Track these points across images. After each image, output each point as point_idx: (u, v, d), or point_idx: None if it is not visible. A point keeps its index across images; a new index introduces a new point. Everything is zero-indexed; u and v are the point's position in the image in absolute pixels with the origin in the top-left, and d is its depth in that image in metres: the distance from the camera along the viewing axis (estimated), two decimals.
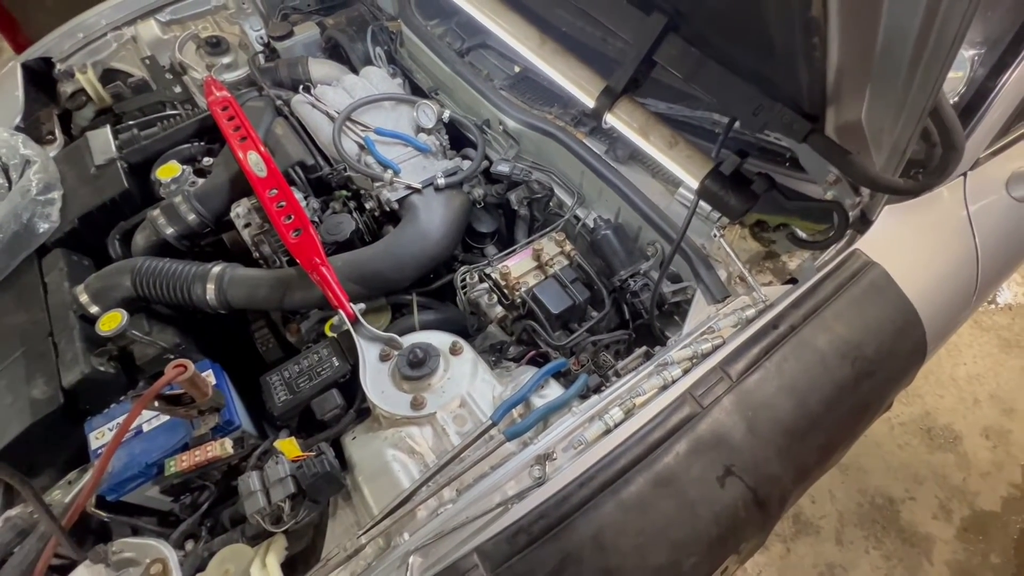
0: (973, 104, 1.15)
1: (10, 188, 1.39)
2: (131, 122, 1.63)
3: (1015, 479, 2.20)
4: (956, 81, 1.16)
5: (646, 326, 1.24)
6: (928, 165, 0.82)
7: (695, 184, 0.93)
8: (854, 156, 0.70)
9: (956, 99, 1.16)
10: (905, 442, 2.30)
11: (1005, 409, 2.37)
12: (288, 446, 0.99)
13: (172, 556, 0.94)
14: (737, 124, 0.98)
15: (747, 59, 0.74)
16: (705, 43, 0.78)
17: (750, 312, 1.04)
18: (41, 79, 1.78)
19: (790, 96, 0.70)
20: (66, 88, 1.76)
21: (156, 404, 1.01)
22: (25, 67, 1.74)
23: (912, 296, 1.09)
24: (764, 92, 0.74)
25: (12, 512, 0.99)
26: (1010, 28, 1.15)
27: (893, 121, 0.65)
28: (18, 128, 1.59)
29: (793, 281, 1.11)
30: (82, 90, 1.73)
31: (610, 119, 1.00)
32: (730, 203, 0.88)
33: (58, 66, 1.78)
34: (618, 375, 1.07)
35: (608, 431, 0.91)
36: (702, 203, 1.05)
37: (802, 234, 1.17)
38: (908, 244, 1.14)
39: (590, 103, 1.01)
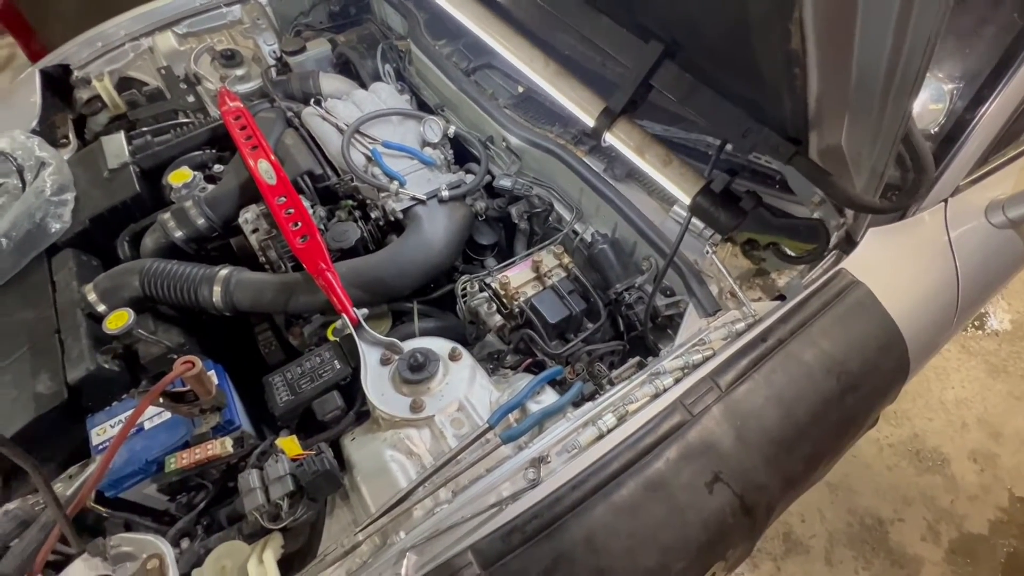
0: (953, 134, 1.21)
1: (24, 189, 1.43)
2: (145, 128, 1.68)
3: (1002, 503, 2.22)
4: (936, 113, 1.22)
5: (640, 338, 1.28)
6: (903, 188, 0.87)
7: (687, 200, 0.98)
8: (833, 178, 0.75)
9: (936, 130, 1.22)
10: (894, 464, 2.32)
11: (992, 433, 2.40)
12: (289, 444, 1.01)
13: (169, 552, 0.95)
14: (729, 146, 1.03)
15: (737, 85, 0.80)
16: (698, 69, 0.83)
17: (740, 326, 1.08)
18: (58, 85, 1.83)
19: (776, 121, 0.75)
20: (82, 94, 1.81)
21: (161, 400, 1.03)
22: (44, 73, 1.80)
23: (895, 315, 1.13)
24: (752, 116, 0.79)
25: (12, 505, 1.00)
26: (987, 64, 1.22)
27: (870, 147, 0.70)
28: (34, 131, 1.63)
29: (782, 297, 1.16)
30: (98, 96, 1.78)
31: (609, 138, 1.05)
32: (720, 219, 0.93)
33: (75, 73, 1.83)
34: (612, 383, 1.10)
35: (601, 436, 0.94)
36: (695, 221, 1.09)
37: (790, 252, 1.22)
38: (892, 265, 1.19)
39: (590, 122, 1.06)
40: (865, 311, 1.12)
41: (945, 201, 1.28)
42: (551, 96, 1.17)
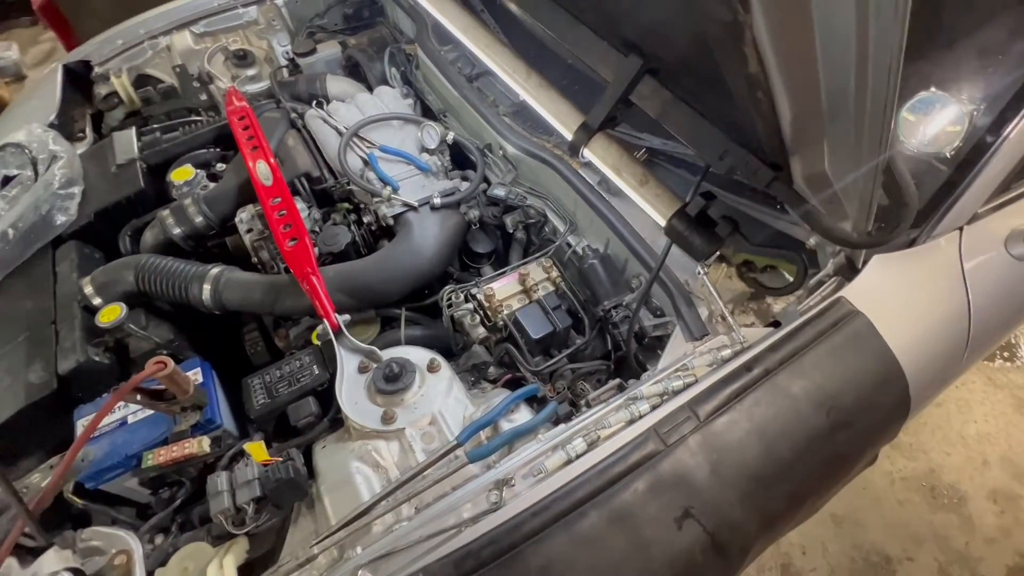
0: (971, 159, 1.14)
1: (36, 180, 1.47)
2: (155, 125, 1.72)
3: (1023, 548, 2.09)
4: (953, 135, 1.15)
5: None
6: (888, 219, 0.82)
7: (663, 222, 0.94)
8: (811, 206, 0.71)
9: (952, 153, 1.15)
10: (906, 498, 2.21)
11: (1016, 473, 2.26)
12: (256, 449, 1.01)
13: (138, 548, 0.96)
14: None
15: (714, 105, 0.76)
16: (678, 87, 0.80)
17: (726, 352, 1.03)
18: (79, 80, 1.89)
19: (756, 144, 0.71)
20: (101, 90, 1.86)
21: (139, 397, 1.04)
22: (66, 68, 1.86)
23: (896, 349, 1.07)
24: (733, 138, 0.75)
25: None
26: (1012, 85, 1.14)
27: (853, 175, 0.66)
28: (52, 125, 1.69)
29: (776, 324, 1.10)
30: (115, 92, 1.83)
31: (586, 154, 1.02)
32: (695, 244, 0.89)
33: (96, 69, 1.89)
34: (589, 405, 1.07)
35: (569, 461, 0.91)
36: None
37: (788, 276, 1.16)
38: (896, 295, 1.13)
39: (569, 136, 1.03)
40: (863, 343, 1.05)
41: (960, 229, 1.20)
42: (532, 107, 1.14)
